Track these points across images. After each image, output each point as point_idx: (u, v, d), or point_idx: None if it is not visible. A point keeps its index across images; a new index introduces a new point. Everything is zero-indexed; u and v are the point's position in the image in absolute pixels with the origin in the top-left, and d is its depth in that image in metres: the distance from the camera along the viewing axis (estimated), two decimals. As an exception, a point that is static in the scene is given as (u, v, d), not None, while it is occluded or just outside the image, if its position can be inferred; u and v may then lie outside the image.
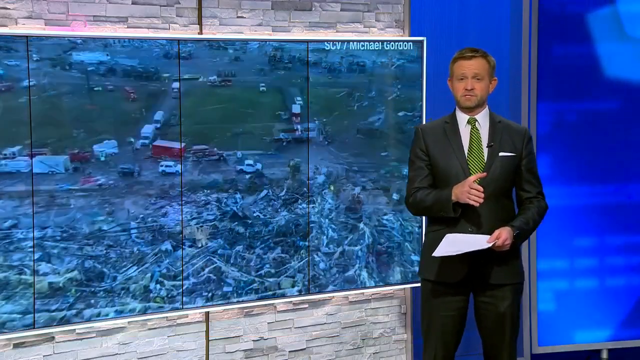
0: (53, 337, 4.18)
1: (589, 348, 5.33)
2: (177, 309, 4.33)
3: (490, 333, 3.80)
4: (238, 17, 4.53)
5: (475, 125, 3.76)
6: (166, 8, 4.36)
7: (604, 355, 5.34)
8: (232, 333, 4.64)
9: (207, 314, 4.54)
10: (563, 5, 5.15)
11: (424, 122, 4.75)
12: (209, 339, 4.59)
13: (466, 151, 3.74)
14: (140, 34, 4.24)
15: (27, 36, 3.95)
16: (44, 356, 4.18)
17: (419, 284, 3.96)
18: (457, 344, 3.84)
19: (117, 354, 4.35)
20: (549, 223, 5.12)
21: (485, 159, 3.72)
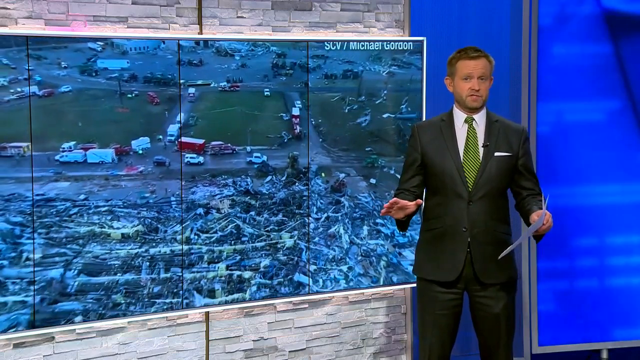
0: (53, 337, 4.19)
1: (589, 348, 5.33)
2: (178, 311, 4.39)
3: (486, 334, 3.79)
4: (238, 17, 4.53)
5: (472, 124, 3.75)
6: (166, 8, 4.36)
7: (604, 355, 5.33)
8: (232, 333, 4.64)
9: (207, 314, 4.54)
10: (563, 5, 5.14)
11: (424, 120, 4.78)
12: (209, 339, 4.59)
13: (461, 151, 3.73)
14: (140, 34, 4.25)
15: (27, 36, 3.96)
16: (44, 356, 4.18)
17: (418, 284, 4.00)
18: (452, 342, 3.84)
19: (117, 354, 4.35)
20: (549, 223, 5.13)
21: (481, 159, 3.72)
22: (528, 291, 5.19)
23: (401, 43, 4.82)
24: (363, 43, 4.73)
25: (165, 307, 4.21)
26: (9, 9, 4.01)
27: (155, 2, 4.33)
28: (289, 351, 4.79)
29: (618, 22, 5.17)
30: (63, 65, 3.87)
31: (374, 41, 4.76)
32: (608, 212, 5.26)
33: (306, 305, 4.79)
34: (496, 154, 3.72)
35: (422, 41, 4.86)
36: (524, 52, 5.13)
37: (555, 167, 5.17)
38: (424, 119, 4.87)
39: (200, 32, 4.42)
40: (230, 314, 4.61)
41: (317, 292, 4.71)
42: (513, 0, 5.35)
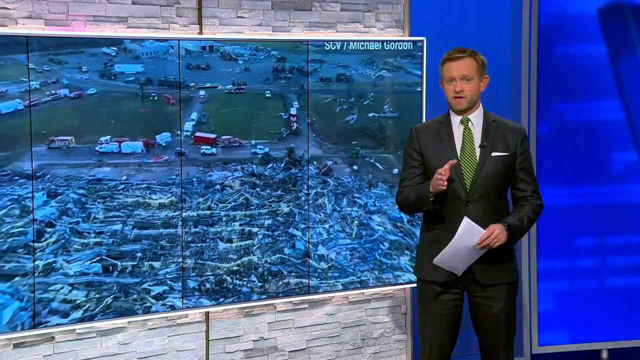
0: (53, 337, 4.19)
1: (589, 348, 5.33)
2: (178, 311, 4.41)
3: (486, 334, 3.79)
4: (238, 17, 4.54)
5: (468, 125, 3.75)
6: (166, 8, 4.36)
7: (604, 355, 5.34)
8: (232, 333, 4.65)
9: (207, 314, 4.55)
10: (563, 5, 5.14)
11: (424, 121, 4.78)
12: (209, 339, 4.59)
13: (459, 152, 3.73)
14: (140, 34, 4.25)
15: (27, 36, 3.97)
16: (44, 356, 4.19)
17: (418, 284, 4.01)
18: (453, 343, 3.83)
19: (117, 354, 4.36)
20: (549, 223, 5.13)
21: (478, 160, 3.71)
22: (528, 291, 5.20)
23: (401, 43, 4.83)
24: (363, 43, 4.75)
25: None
26: (9, 9, 4.02)
27: (155, 2, 4.34)
28: (289, 351, 4.79)
29: (617, 21, 5.18)
30: (84, 70, 4.23)
31: (374, 41, 4.77)
32: (608, 212, 5.26)
33: (306, 305, 4.79)
34: (493, 154, 3.71)
35: (422, 41, 4.87)
36: (524, 52, 5.13)
37: (555, 167, 5.17)
38: (424, 119, 4.88)
39: (200, 32, 4.42)
40: (230, 314, 4.61)
41: (317, 292, 4.72)
42: (513, 0, 5.35)
